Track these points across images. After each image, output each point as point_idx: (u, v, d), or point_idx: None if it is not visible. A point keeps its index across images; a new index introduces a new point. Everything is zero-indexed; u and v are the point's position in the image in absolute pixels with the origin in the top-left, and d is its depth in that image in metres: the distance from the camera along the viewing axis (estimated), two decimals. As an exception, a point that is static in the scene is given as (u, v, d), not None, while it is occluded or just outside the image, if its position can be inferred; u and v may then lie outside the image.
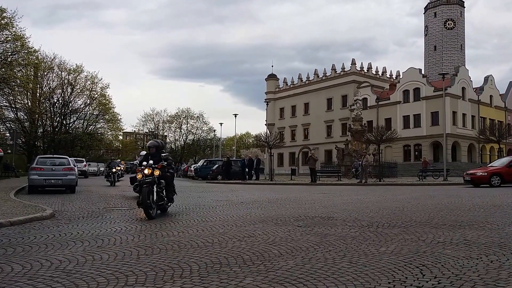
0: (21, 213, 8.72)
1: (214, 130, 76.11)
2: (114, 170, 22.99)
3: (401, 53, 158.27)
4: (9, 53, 31.60)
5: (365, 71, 61.27)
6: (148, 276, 3.95)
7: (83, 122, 53.08)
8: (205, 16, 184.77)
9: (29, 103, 44.94)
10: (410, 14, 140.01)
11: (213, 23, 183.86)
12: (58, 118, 50.37)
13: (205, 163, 38.79)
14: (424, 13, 74.11)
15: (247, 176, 31.83)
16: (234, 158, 41.21)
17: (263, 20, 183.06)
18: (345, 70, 60.91)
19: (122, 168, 30.10)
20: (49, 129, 49.09)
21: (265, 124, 63.79)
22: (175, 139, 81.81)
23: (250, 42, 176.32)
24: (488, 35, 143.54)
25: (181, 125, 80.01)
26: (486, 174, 20.11)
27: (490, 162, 32.10)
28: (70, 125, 52.40)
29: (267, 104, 51.43)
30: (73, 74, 49.86)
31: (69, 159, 18.53)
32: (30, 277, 3.95)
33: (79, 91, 51.05)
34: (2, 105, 40.27)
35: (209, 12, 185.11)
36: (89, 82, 51.44)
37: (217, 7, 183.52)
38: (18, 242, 5.86)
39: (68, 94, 50.20)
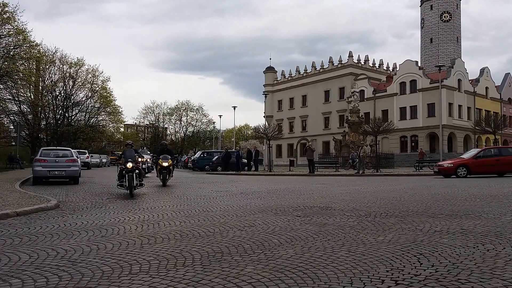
0: (26, 204, 8.83)
1: (214, 122, 76.67)
2: (129, 165, 11.69)
3: (400, 45, 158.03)
4: (12, 47, 31.72)
5: (362, 63, 61.27)
6: (152, 265, 4.02)
7: (85, 115, 53.37)
8: (205, 8, 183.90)
9: (32, 96, 45.18)
10: (408, 6, 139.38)
11: (213, 16, 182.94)
12: (60, 111, 50.56)
13: (202, 155, 38.81)
14: (420, 6, 73.88)
15: (246, 168, 31.99)
16: (232, 150, 41.36)
17: (262, 13, 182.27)
18: (342, 62, 60.84)
19: (147, 161, 22.71)
20: (52, 121, 49.29)
21: (264, 116, 63.82)
22: (175, 131, 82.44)
23: (250, 34, 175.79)
24: (486, 27, 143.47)
25: (181, 117, 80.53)
26: (452, 165, 20.55)
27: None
28: (73, 117, 52.64)
29: (265, 97, 51.51)
30: (75, 68, 50.07)
31: (72, 151, 18.66)
32: (37, 266, 4.02)
33: (80, 84, 51.27)
34: (5, 98, 40.43)
35: (209, 5, 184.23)
36: (90, 75, 51.67)
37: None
38: (24, 232, 5.94)
39: (70, 87, 50.38)
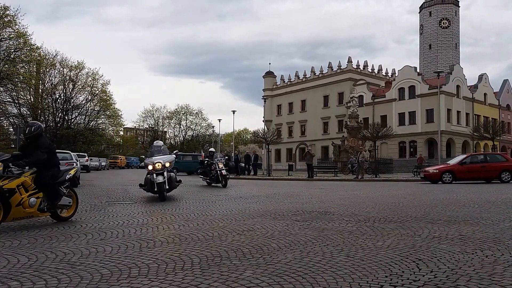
0: (25, 206, 8.76)
1: (213, 126, 76.83)
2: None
3: (400, 50, 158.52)
4: (12, 50, 31.86)
5: (361, 68, 61.48)
6: (151, 268, 4.00)
7: (85, 118, 53.49)
8: (206, 13, 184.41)
9: (32, 99, 45.35)
10: (410, 12, 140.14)
11: (214, 20, 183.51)
12: (60, 114, 50.62)
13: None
14: (419, 12, 74.33)
15: (245, 172, 32.04)
16: (231, 154, 41.44)
17: (263, 17, 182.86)
18: (342, 67, 61.02)
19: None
20: (51, 124, 49.29)
21: (263, 121, 63.91)
22: (174, 135, 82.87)
23: (251, 39, 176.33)
24: (486, 33, 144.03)
25: (181, 121, 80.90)
26: (437, 171, 20.72)
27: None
28: (72, 120, 52.74)
29: (264, 101, 51.58)
30: (75, 71, 50.22)
31: (72, 154, 18.64)
32: (36, 269, 4.00)
33: (80, 87, 51.42)
34: (5, 101, 40.53)
35: (211, 9, 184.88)
36: (90, 79, 51.84)
37: (219, 4, 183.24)
38: (23, 234, 5.92)
39: (70, 90, 50.51)
